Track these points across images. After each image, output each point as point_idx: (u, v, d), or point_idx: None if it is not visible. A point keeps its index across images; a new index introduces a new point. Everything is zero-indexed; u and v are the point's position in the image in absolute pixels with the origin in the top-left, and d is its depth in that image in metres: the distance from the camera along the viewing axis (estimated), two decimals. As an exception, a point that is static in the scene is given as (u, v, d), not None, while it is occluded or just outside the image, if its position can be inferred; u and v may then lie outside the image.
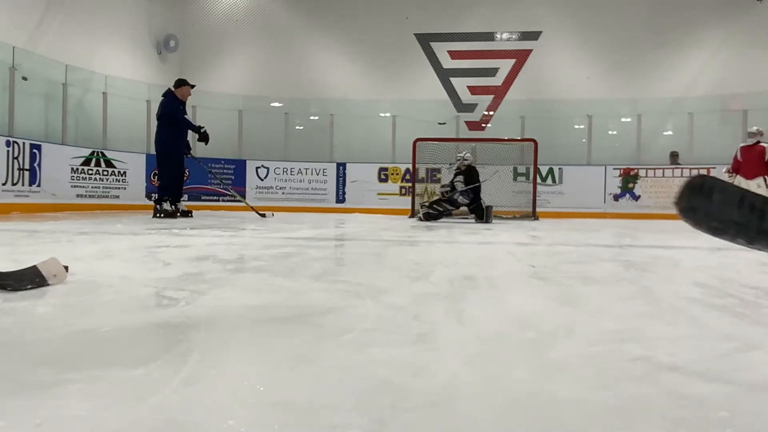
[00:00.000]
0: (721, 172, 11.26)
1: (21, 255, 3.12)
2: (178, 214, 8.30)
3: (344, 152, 13.40)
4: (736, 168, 11.21)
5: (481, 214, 9.54)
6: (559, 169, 12.72)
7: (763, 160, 10.92)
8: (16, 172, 8.73)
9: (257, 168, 12.84)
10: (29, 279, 1.92)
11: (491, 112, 14.66)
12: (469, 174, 9.85)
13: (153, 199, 8.80)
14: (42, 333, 1.33)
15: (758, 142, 10.99)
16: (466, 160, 9.93)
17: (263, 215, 8.64)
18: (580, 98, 13.61)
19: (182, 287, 2.05)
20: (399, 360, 1.12)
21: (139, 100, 12.07)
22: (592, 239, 5.30)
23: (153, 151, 11.08)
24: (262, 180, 12.79)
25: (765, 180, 10.86)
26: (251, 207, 9.49)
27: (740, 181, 11.09)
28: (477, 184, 9.83)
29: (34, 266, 1.97)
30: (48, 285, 1.91)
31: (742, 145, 11.18)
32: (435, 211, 9.59)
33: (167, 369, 1.06)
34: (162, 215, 8.14)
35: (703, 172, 11.77)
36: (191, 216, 8.37)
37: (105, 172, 10.83)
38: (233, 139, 13.42)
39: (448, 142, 12.07)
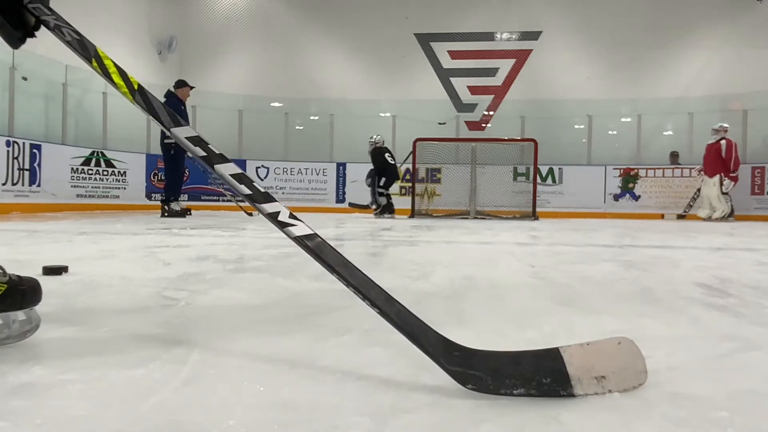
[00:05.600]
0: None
1: (21, 255, 3.12)
2: (188, 214, 8.38)
3: (344, 152, 13.40)
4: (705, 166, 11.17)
5: (386, 206, 10.13)
6: (559, 169, 12.72)
7: (720, 157, 10.81)
8: (16, 172, 8.74)
9: (257, 168, 12.85)
10: (535, 377, 0.94)
11: (491, 112, 14.66)
12: (372, 156, 10.49)
13: (160, 199, 8.87)
14: (42, 333, 1.33)
15: (721, 139, 10.89)
16: (376, 143, 10.49)
17: (250, 215, 8.56)
18: (580, 98, 13.61)
19: (182, 287, 2.05)
20: (399, 360, 1.12)
21: (139, 100, 12.07)
22: (592, 239, 5.30)
23: (153, 151, 11.07)
24: (262, 180, 12.80)
25: (721, 178, 10.76)
26: (240, 207, 9.42)
27: (705, 180, 11.06)
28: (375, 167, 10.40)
29: (557, 354, 0.97)
30: (574, 393, 0.93)
31: (707, 143, 11.13)
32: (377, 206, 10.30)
33: (167, 369, 1.06)
34: (167, 215, 8.19)
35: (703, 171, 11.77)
36: (190, 215, 8.42)
37: (105, 172, 10.84)
38: (233, 139, 13.42)
39: (449, 142, 12.07)
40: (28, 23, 1.20)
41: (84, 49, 1.17)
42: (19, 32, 1.20)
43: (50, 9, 1.19)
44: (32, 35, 1.22)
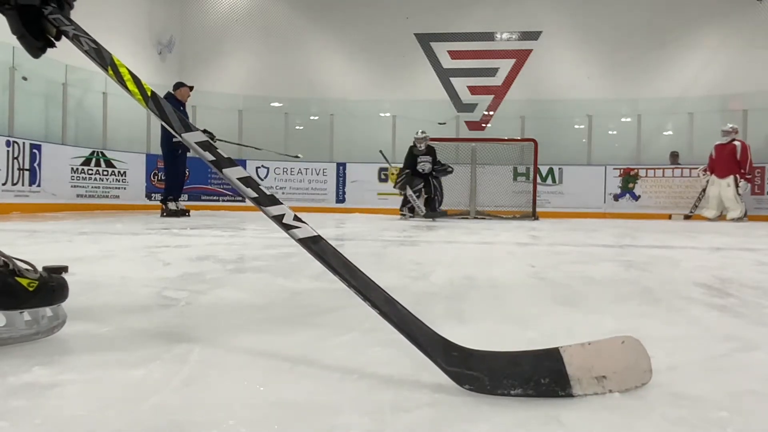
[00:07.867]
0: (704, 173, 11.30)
1: (21, 255, 3.11)
2: (187, 215, 8.43)
3: (344, 152, 13.40)
4: (711, 167, 11.16)
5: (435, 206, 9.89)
6: (559, 169, 12.72)
7: (735, 158, 10.83)
8: (16, 172, 8.74)
9: (257, 168, 12.85)
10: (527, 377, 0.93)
11: (491, 112, 14.66)
12: (432, 152, 10.15)
13: (160, 199, 8.92)
14: (42, 333, 1.32)
15: (732, 140, 10.91)
16: (426, 138, 10.17)
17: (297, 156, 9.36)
18: (580, 98, 13.61)
19: (182, 287, 2.05)
20: (399, 360, 1.12)
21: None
22: (592, 239, 5.30)
23: (153, 151, 11.09)
24: (262, 180, 12.80)
25: (736, 179, 10.78)
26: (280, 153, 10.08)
27: (713, 180, 11.07)
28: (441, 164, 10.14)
29: (556, 354, 0.95)
30: (573, 393, 0.92)
31: (716, 143, 11.13)
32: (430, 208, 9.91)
33: (167, 369, 1.06)
34: (165, 214, 8.23)
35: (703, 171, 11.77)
36: (188, 215, 8.45)
37: (105, 172, 10.84)
38: (233, 139, 13.41)
39: (448, 142, 12.07)
40: (49, 33, 1.24)
41: (101, 57, 1.20)
42: (40, 42, 1.24)
43: (69, 19, 1.22)
44: (53, 45, 1.26)
